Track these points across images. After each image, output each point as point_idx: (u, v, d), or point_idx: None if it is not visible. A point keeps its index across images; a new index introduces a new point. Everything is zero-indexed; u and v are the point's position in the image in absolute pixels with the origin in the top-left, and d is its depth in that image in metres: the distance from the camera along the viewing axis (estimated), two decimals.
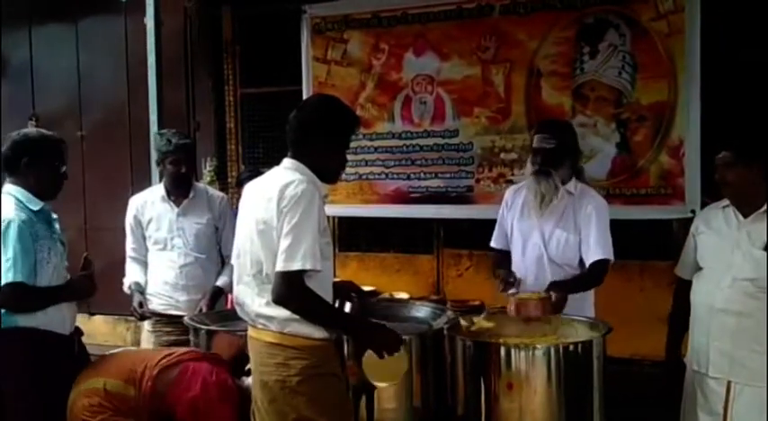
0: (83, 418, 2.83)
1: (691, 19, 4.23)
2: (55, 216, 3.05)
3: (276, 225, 2.43)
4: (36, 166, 2.90)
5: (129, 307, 3.77)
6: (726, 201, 2.91)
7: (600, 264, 3.20)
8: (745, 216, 2.82)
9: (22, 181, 2.91)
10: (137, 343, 5.00)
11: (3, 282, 2.74)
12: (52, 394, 2.83)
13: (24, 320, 2.82)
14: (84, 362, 3.05)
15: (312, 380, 2.46)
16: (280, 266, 2.39)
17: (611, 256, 3.21)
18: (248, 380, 2.87)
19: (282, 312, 2.46)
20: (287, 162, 2.59)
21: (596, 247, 3.19)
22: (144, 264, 3.84)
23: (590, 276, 3.24)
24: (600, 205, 3.27)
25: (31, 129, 3.04)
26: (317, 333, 2.48)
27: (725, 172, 2.81)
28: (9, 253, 2.75)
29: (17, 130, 2.97)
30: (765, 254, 2.71)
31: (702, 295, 2.87)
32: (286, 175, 2.51)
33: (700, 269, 2.93)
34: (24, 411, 2.79)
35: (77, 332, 3.05)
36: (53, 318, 2.87)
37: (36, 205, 2.89)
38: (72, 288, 2.95)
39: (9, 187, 2.91)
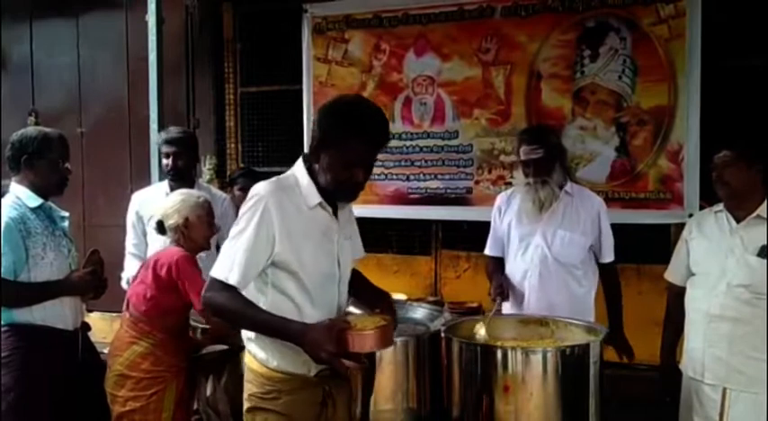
0: (132, 403, 2.90)
1: (692, 24, 4.25)
2: (65, 213, 3.05)
3: None
4: (35, 164, 2.91)
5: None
6: (718, 207, 2.90)
7: (613, 270, 3.36)
8: (738, 221, 2.80)
9: (24, 179, 2.92)
10: None
11: None
12: (48, 389, 2.82)
13: (21, 316, 2.81)
14: (92, 357, 3.04)
15: (253, 412, 2.19)
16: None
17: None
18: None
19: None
20: (296, 164, 2.28)
21: (608, 250, 3.31)
22: (143, 261, 3.83)
23: (615, 290, 3.39)
24: (603, 205, 3.35)
25: (30, 128, 3.03)
26: (275, 362, 2.16)
27: (724, 171, 2.78)
28: None
29: (18, 130, 2.97)
30: (759, 259, 2.69)
31: (697, 301, 2.86)
32: (262, 182, 2.20)
33: (693, 274, 2.92)
34: (16, 405, 2.78)
35: (84, 327, 3.04)
36: (51, 314, 2.86)
37: (35, 202, 2.89)
38: (70, 283, 2.93)
39: (13, 186, 2.92)
